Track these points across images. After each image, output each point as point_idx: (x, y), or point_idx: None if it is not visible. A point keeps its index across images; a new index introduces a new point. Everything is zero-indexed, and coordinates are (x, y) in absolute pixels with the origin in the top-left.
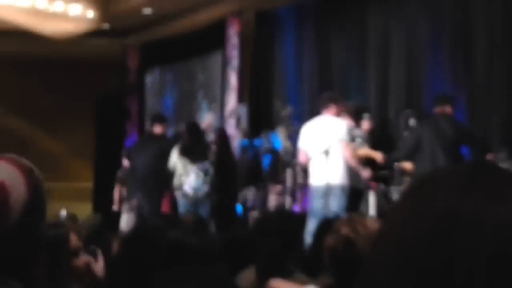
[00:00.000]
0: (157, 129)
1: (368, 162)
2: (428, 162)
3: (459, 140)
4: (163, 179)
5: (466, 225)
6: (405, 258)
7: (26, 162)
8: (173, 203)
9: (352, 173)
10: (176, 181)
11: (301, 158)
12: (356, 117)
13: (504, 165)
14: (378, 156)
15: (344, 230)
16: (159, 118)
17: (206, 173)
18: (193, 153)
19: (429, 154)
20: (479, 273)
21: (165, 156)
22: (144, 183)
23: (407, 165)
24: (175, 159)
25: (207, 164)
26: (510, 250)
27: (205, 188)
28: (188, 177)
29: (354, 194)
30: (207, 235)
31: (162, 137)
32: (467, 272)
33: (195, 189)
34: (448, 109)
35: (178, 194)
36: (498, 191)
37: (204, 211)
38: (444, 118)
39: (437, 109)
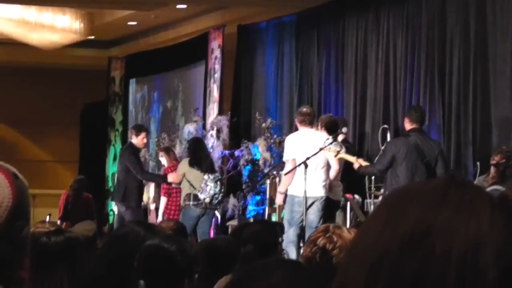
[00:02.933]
0: (133, 139)
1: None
2: (407, 177)
3: (436, 156)
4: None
5: (439, 235)
6: (379, 263)
7: (11, 168)
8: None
9: (329, 185)
10: (185, 191)
11: (289, 169)
12: (333, 131)
13: (477, 180)
14: (353, 160)
15: (321, 240)
16: (136, 128)
17: (221, 182)
18: (203, 164)
19: (410, 168)
20: (451, 279)
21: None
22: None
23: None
24: (184, 170)
25: (218, 175)
26: (479, 261)
27: (220, 197)
28: (207, 186)
29: (330, 205)
30: (186, 242)
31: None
32: (438, 278)
33: (213, 197)
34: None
35: (187, 203)
36: (469, 205)
37: (208, 221)
38: (421, 133)
39: (414, 124)
